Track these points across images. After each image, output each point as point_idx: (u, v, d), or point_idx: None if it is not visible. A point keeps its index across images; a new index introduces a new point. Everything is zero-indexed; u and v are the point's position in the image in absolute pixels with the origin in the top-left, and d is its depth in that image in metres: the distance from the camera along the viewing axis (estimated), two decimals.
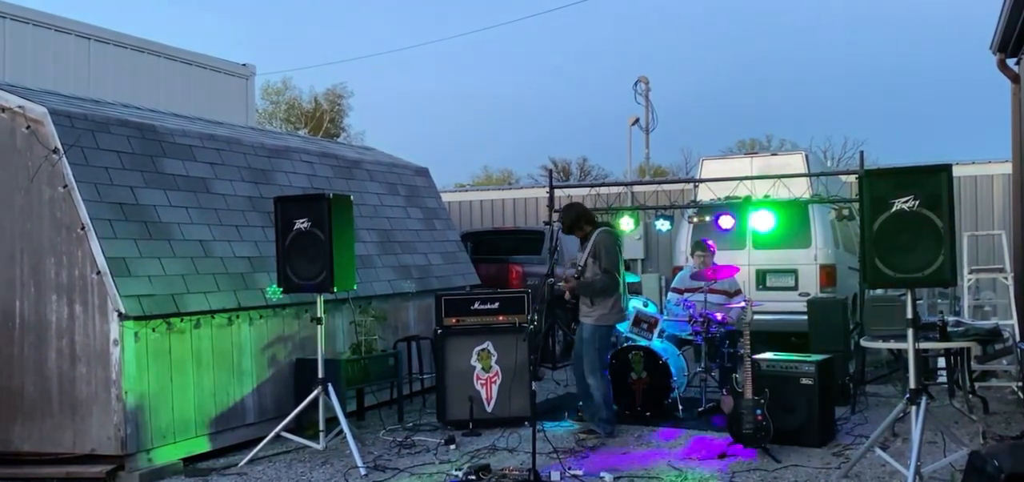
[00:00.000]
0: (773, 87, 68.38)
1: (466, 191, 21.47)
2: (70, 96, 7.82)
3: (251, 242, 7.71)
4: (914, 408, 5.62)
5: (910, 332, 5.70)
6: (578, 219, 7.60)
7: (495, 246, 13.22)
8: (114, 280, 6.26)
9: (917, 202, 5.41)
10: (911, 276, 5.49)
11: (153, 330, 6.52)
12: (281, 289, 7.08)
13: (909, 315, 5.68)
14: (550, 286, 7.78)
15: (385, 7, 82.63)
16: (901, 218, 5.46)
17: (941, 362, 8.72)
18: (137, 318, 6.34)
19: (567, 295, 7.61)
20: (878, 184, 5.64)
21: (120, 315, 6.25)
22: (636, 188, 14.71)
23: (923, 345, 6.98)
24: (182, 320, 6.75)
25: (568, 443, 7.19)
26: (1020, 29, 8.30)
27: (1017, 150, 9.85)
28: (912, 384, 5.67)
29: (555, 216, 11.05)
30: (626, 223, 10.23)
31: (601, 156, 60.96)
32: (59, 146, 6.40)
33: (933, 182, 5.43)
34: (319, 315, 7.03)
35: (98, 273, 6.30)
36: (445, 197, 17.57)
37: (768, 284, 10.98)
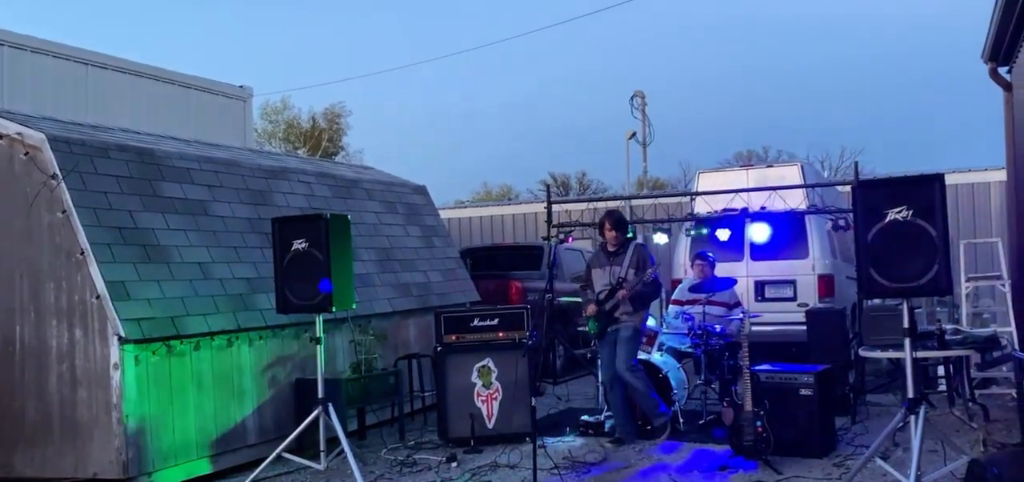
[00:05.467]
0: (771, 98, 68.55)
1: (466, 208, 21.53)
2: (68, 122, 7.86)
3: (250, 263, 7.74)
4: (913, 417, 5.63)
5: (907, 341, 5.72)
6: (626, 226, 7.94)
7: (494, 262, 13.25)
8: (113, 304, 6.29)
9: (911, 212, 5.45)
10: (906, 286, 5.52)
11: (153, 353, 6.53)
12: None
13: (905, 324, 5.70)
14: (549, 301, 7.81)
15: (382, 26, 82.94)
16: (895, 228, 5.49)
17: (941, 370, 8.73)
18: (137, 341, 6.36)
19: (617, 301, 7.57)
20: (872, 195, 5.68)
21: (120, 339, 6.27)
22: (634, 202, 14.73)
23: (921, 354, 7.00)
24: (182, 342, 6.77)
25: (570, 458, 7.18)
26: (1010, 38, 8.35)
27: (1011, 157, 9.89)
28: (910, 393, 5.69)
29: (554, 230, 11.13)
30: None
31: (600, 170, 60.99)
32: (57, 171, 6.44)
33: (926, 192, 5.46)
34: (318, 335, 7.04)
35: (97, 297, 6.32)
36: (445, 214, 17.62)
37: (767, 295, 11.00)
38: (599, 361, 8.01)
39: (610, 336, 7.66)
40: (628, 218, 12.33)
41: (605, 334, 7.68)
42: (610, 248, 7.77)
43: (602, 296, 7.63)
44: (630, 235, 8.21)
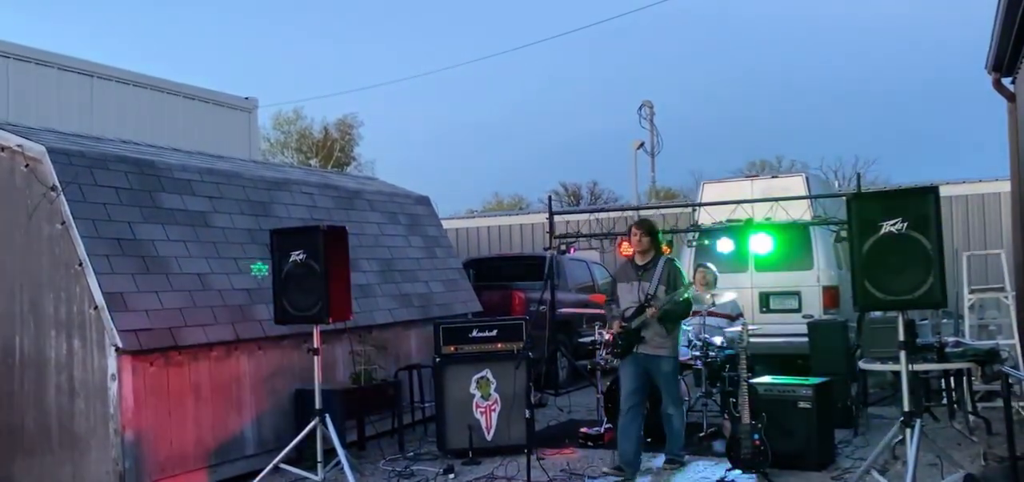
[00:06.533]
0: (785, 107, 68.38)
1: (473, 217, 21.53)
2: (68, 134, 7.93)
3: (250, 274, 7.76)
4: (908, 431, 5.59)
5: (902, 354, 5.69)
6: (657, 237, 7.27)
7: (498, 272, 13.24)
8: (111, 315, 6.32)
9: (905, 224, 5.42)
10: (901, 298, 5.48)
11: (151, 364, 6.57)
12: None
13: (900, 337, 5.67)
14: (548, 311, 7.75)
15: (396, 36, 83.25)
16: (890, 241, 5.47)
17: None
18: (135, 352, 6.40)
19: (645, 318, 6.99)
20: (866, 207, 5.66)
21: (118, 350, 6.30)
22: (641, 213, 14.70)
23: (918, 366, 6.95)
24: (180, 353, 6.80)
25: (568, 472, 7.16)
26: (1013, 48, 8.29)
27: (1015, 168, 9.81)
28: (905, 407, 5.65)
29: (556, 241, 11.11)
30: (627, 249, 10.21)
31: (612, 180, 60.98)
32: (57, 183, 6.49)
33: (921, 204, 5.44)
34: (315, 346, 7.05)
35: (96, 308, 6.36)
36: (451, 224, 17.62)
37: (772, 306, 10.95)
38: (620, 379, 7.38)
39: (638, 358, 7.08)
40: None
41: (630, 353, 7.06)
42: (639, 261, 7.13)
43: (628, 314, 7.05)
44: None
